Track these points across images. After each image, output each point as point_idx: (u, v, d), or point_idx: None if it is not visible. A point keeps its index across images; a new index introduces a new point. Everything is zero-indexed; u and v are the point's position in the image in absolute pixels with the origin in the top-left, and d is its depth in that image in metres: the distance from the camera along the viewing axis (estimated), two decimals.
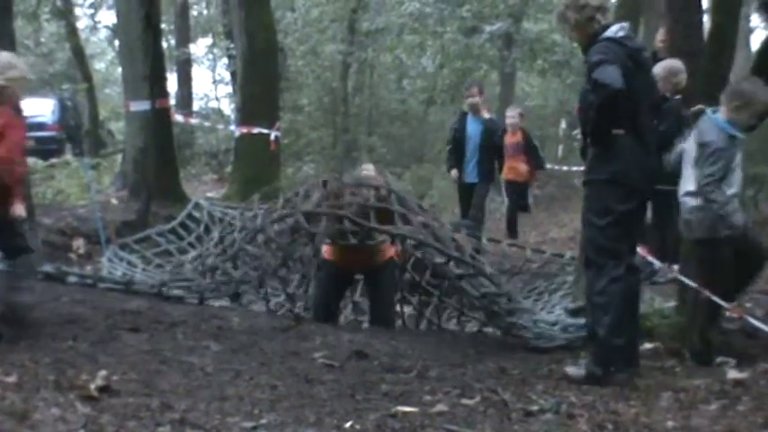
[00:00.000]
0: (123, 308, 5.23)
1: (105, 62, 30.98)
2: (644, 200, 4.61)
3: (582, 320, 4.91)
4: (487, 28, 16.20)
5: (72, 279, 5.96)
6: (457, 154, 9.16)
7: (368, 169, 7.08)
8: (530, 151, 9.83)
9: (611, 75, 4.16)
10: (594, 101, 4.25)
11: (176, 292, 5.90)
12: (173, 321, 4.98)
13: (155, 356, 4.18)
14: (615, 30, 4.38)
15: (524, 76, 21.46)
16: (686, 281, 5.07)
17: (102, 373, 3.55)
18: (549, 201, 14.14)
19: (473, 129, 9.07)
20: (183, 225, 8.17)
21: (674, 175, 6.36)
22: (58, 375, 3.53)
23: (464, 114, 9.27)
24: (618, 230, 4.35)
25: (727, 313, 5.16)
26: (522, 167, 9.80)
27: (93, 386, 3.36)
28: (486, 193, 9.26)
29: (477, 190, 9.08)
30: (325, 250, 6.18)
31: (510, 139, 9.79)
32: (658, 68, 6.09)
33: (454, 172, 9.17)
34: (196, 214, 8.20)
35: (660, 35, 7.82)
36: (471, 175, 9.10)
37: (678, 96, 6.82)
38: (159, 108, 9.79)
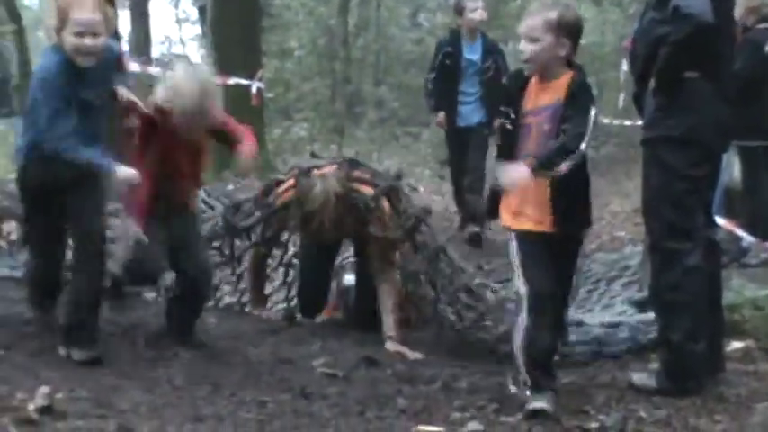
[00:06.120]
0: None
1: None
2: (719, 161, 4.58)
3: (652, 315, 4.89)
4: None
5: None
6: (447, 87, 8.63)
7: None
8: None
9: (701, 2, 4.07)
10: (670, 34, 4.15)
11: None
12: (130, 323, 4.99)
13: (109, 368, 4.19)
14: None
15: (576, 6, 21.33)
16: None
17: (44, 390, 3.56)
18: (608, 164, 14.07)
19: (472, 52, 8.62)
20: None
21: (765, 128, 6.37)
22: None
23: (456, 34, 8.81)
24: (691, 201, 4.29)
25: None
26: None
27: (32, 407, 3.38)
28: (487, 145, 8.65)
29: (476, 141, 8.58)
30: None
31: None
32: None
33: (442, 115, 8.67)
34: None
35: None
36: (470, 116, 8.62)
37: (763, 25, 6.80)
38: None
